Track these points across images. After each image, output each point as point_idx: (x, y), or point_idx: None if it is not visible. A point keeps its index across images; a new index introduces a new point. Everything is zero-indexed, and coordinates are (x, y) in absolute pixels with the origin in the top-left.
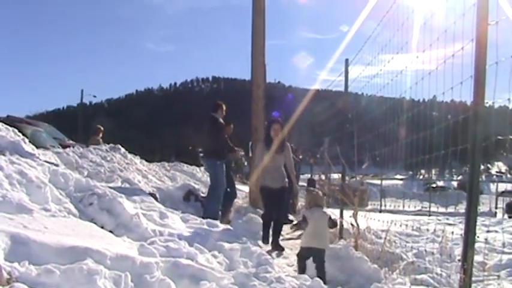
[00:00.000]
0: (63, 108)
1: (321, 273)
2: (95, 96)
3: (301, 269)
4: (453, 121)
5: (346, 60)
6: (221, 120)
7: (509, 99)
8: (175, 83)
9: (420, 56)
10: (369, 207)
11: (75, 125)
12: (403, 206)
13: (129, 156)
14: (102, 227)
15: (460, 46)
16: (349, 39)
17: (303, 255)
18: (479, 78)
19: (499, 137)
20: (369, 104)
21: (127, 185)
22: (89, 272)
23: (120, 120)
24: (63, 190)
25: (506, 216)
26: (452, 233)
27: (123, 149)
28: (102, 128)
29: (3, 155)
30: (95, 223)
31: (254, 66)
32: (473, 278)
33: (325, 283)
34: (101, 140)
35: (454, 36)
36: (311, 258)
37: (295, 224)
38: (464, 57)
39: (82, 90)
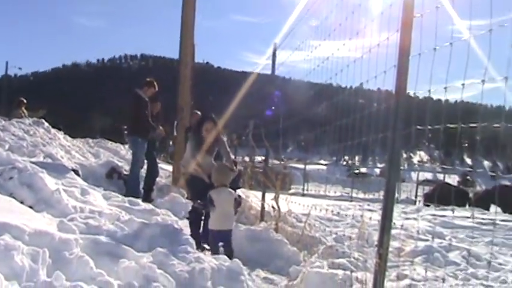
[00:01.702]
0: None
1: (228, 252)
2: (20, 69)
3: (215, 252)
4: (376, 109)
5: (274, 44)
6: (145, 98)
7: (429, 91)
8: (103, 59)
9: (347, 43)
10: (292, 191)
11: None
12: (326, 191)
13: (53, 131)
14: (21, 202)
15: (386, 36)
16: (287, 24)
17: (215, 238)
18: (402, 68)
19: (418, 127)
20: (296, 88)
21: (49, 160)
22: (6, 248)
23: (45, 94)
24: None
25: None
26: (370, 218)
27: (46, 124)
28: (24, 101)
29: None
30: (14, 198)
31: (183, 45)
32: (389, 263)
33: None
34: (25, 113)
35: (380, 25)
36: None
37: (201, 204)
38: (389, 47)
39: (7, 62)
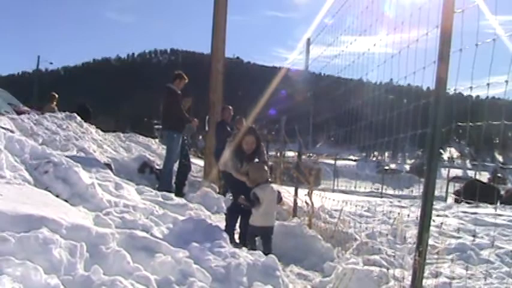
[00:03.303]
0: (18, 73)
1: (268, 249)
2: (51, 63)
3: (253, 248)
4: (414, 106)
5: (308, 39)
6: (178, 91)
7: (471, 88)
8: (133, 54)
9: (383, 39)
10: (322, 186)
11: (30, 91)
12: (356, 187)
13: (85, 125)
14: (57, 196)
15: (424, 31)
16: (316, 19)
17: (255, 235)
18: (442, 64)
19: (459, 124)
20: (329, 84)
21: (82, 154)
22: (44, 241)
23: (76, 88)
24: (19, 157)
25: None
26: (408, 215)
27: (78, 118)
28: (56, 95)
29: None
30: (50, 191)
31: (214, 40)
32: (426, 261)
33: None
34: (55, 108)
35: (419, 21)
36: None
37: (248, 201)
38: (428, 42)
39: (38, 57)
